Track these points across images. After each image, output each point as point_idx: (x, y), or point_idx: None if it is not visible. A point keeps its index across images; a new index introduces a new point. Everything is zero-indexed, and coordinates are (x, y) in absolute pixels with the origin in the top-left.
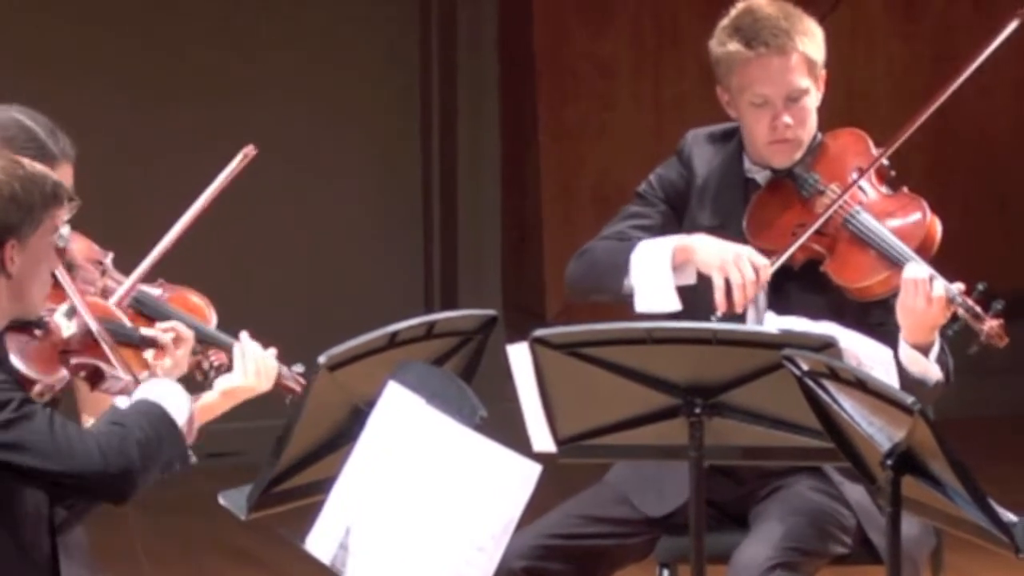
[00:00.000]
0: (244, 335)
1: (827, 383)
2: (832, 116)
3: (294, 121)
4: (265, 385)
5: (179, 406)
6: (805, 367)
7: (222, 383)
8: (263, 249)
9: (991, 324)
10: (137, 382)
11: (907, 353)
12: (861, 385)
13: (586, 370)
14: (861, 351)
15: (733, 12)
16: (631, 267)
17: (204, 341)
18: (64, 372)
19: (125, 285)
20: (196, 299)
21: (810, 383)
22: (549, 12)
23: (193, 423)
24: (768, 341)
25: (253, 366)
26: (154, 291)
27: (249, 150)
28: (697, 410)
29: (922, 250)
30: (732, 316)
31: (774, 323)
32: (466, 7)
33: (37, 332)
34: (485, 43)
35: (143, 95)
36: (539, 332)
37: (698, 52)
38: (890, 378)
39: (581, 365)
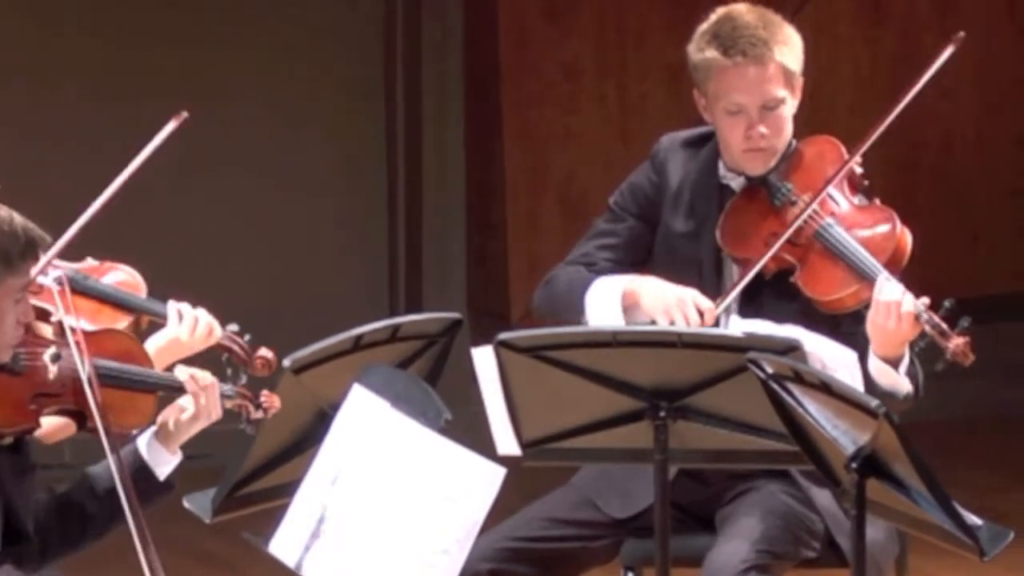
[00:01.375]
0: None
1: (792, 386)
2: (797, 120)
3: (259, 124)
4: (199, 342)
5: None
6: (770, 370)
7: (156, 339)
8: (227, 252)
9: (957, 342)
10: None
11: (877, 366)
12: (826, 388)
13: (551, 373)
14: (825, 354)
15: (713, 18)
16: (585, 306)
17: (137, 311)
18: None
19: (44, 259)
20: (124, 270)
21: (775, 386)
22: (514, 15)
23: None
24: (733, 344)
25: (189, 320)
26: (79, 266)
27: (182, 115)
28: (662, 413)
29: (892, 264)
30: None
31: (739, 326)
32: (431, 11)
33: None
34: (450, 46)
35: (105, 95)
36: (504, 335)
37: (662, 54)
38: (854, 381)
39: (546, 368)
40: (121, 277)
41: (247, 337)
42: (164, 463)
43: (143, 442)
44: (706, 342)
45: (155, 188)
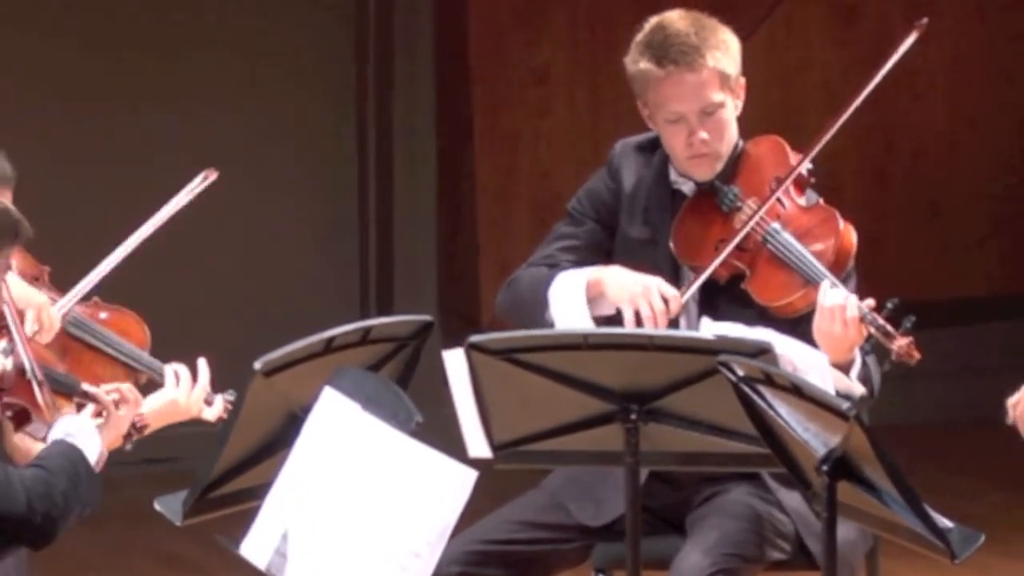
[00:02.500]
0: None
1: (763, 388)
2: (768, 123)
3: (230, 127)
4: (195, 408)
5: (94, 448)
6: (741, 372)
7: (153, 399)
8: (198, 254)
9: (900, 343)
10: None
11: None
12: (797, 391)
13: (522, 376)
14: (797, 357)
15: (646, 27)
16: (549, 301)
17: (136, 368)
18: None
19: (63, 302)
20: (133, 321)
21: (746, 389)
22: (485, 19)
23: (102, 462)
24: (704, 347)
25: (186, 385)
26: (88, 312)
27: (210, 172)
28: (633, 416)
29: (837, 264)
30: None
31: (710, 329)
32: (402, 13)
33: None
34: (421, 49)
35: (77, 100)
36: (475, 338)
37: None
38: (825, 384)
39: (517, 371)
40: (130, 329)
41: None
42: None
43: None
44: (677, 345)
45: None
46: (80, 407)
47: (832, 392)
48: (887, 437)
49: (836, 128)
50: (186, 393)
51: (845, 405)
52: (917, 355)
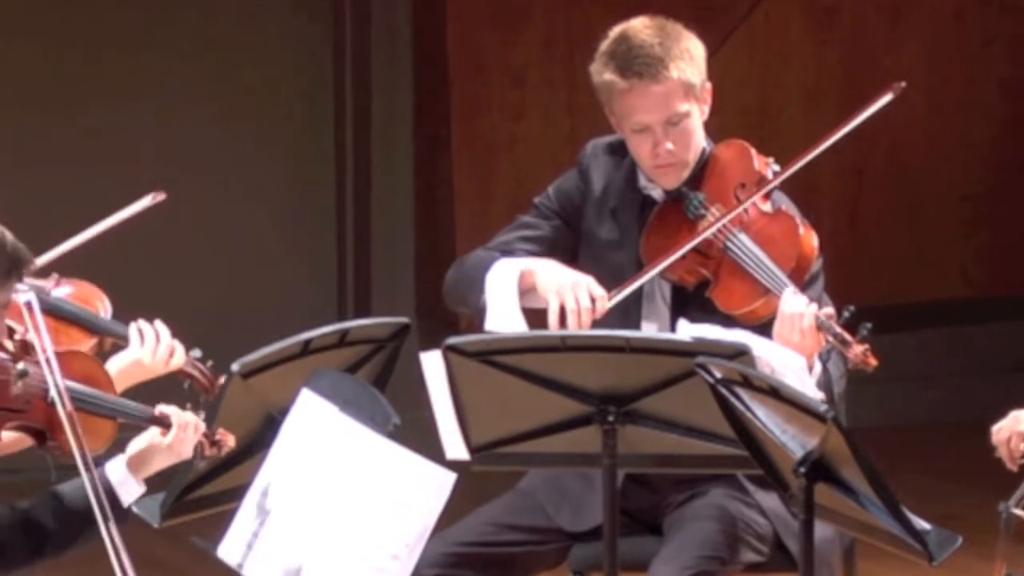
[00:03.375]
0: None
1: (740, 391)
2: (746, 122)
3: (208, 130)
4: (161, 364)
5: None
6: (718, 374)
7: (117, 360)
8: (176, 255)
9: (856, 350)
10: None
11: None
12: (774, 393)
13: (499, 378)
14: (774, 359)
15: (610, 36)
16: (485, 286)
17: (101, 332)
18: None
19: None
20: (89, 290)
21: (723, 391)
22: (463, 22)
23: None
24: (681, 349)
25: (151, 342)
26: (49, 286)
27: (158, 195)
28: (611, 418)
29: (797, 272)
30: None
31: (687, 331)
32: (380, 16)
33: None
34: (399, 52)
35: (53, 101)
36: (452, 340)
37: None
38: (803, 386)
39: (494, 373)
40: (86, 296)
41: (210, 363)
42: (131, 492)
43: (114, 467)
44: (655, 347)
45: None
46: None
47: (810, 394)
48: (864, 439)
49: (797, 168)
50: (151, 351)
51: (823, 407)
52: (874, 362)
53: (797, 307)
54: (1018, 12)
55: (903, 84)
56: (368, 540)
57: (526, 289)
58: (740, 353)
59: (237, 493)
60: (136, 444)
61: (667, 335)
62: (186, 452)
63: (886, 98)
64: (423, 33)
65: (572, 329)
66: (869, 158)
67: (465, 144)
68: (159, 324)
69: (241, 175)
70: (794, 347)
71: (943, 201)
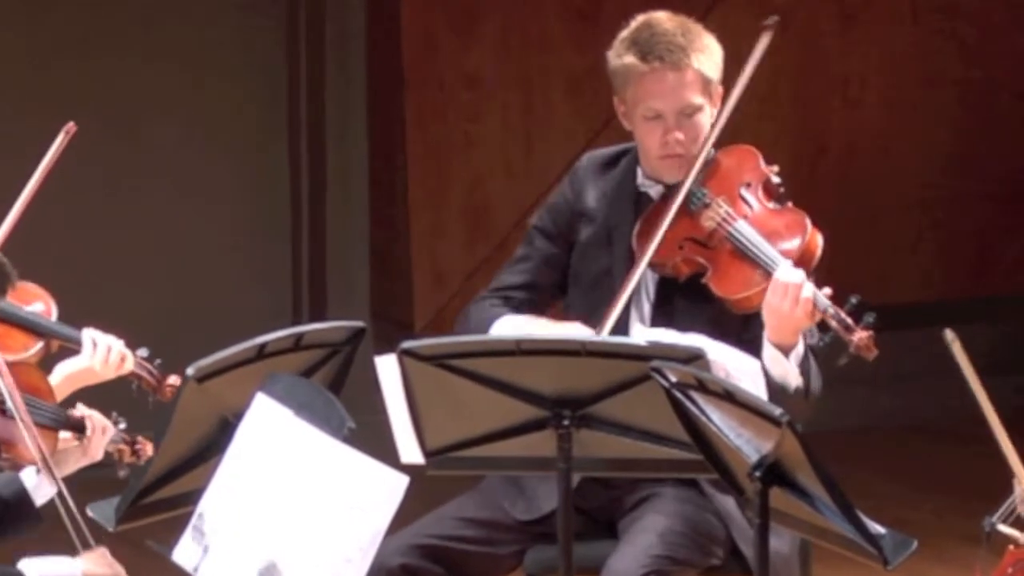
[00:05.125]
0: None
1: (695, 395)
2: None
3: (163, 132)
4: (112, 370)
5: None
6: (673, 379)
7: (67, 366)
8: (131, 260)
9: (861, 336)
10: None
11: (769, 353)
12: (729, 397)
13: (454, 382)
14: (729, 363)
15: (633, 24)
16: None
17: (49, 335)
18: None
19: None
20: (36, 292)
21: (678, 395)
22: (417, 25)
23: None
24: (636, 353)
25: (103, 350)
26: None
27: (70, 127)
28: (566, 422)
29: (801, 263)
30: None
31: (642, 335)
32: (334, 19)
33: None
34: (353, 55)
35: (5, 104)
36: (407, 344)
37: (566, 63)
38: (758, 390)
39: (449, 377)
40: (32, 298)
41: (157, 362)
42: (42, 494)
43: (27, 472)
44: (610, 351)
45: (55, 200)
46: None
47: (764, 398)
48: (819, 443)
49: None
50: (102, 360)
51: (778, 411)
52: (876, 350)
53: (794, 277)
54: (973, 14)
55: (776, 18)
56: (322, 543)
57: None
58: (695, 357)
59: (192, 497)
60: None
61: (623, 339)
62: (96, 455)
63: (764, 39)
64: (377, 37)
65: None
66: (824, 161)
67: (420, 147)
68: (112, 337)
69: (196, 179)
70: (784, 318)
71: (899, 204)
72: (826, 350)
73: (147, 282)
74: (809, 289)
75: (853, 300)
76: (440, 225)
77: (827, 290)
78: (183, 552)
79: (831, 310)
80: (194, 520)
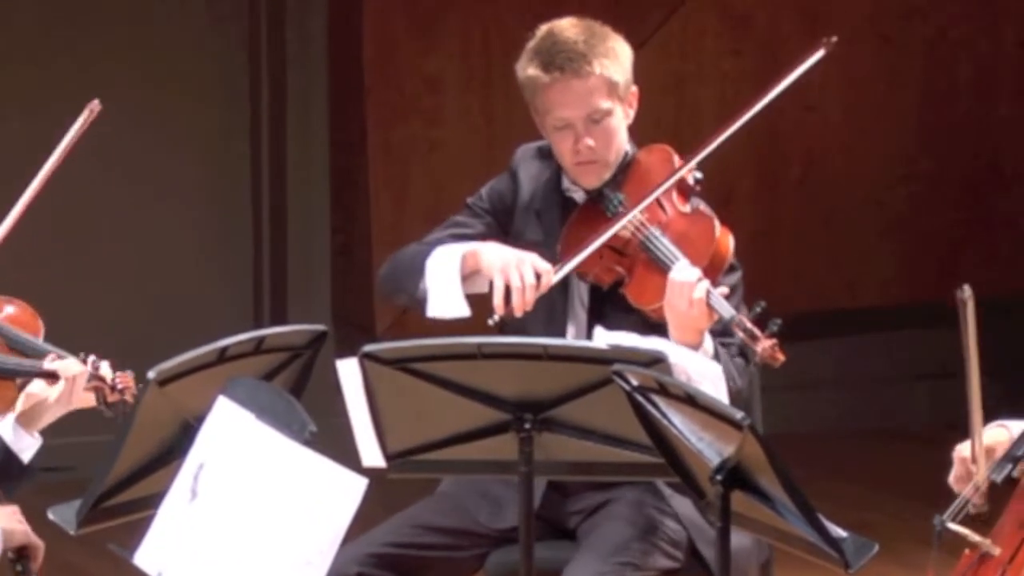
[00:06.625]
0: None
1: (657, 398)
2: (662, 131)
3: (123, 135)
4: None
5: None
6: (635, 382)
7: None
8: (91, 262)
9: (765, 344)
10: None
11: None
12: (691, 400)
13: (416, 385)
14: (691, 367)
15: (536, 34)
16: (426, 271)
17: (26, 354)
18: None
19: None
20: (20, 308)
21: (640, 398)
22: (378, 28)
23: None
24: (598, 356)
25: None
26: None
27: (94, 105)
28: (527, 425)
29: (710, 269)
30: (511, 319)
31: (604, 338)
32: (295, 22)
33: None
34: (314, 60)
35: None
36: (369, 347)
37: None
38: (719, 393)
39: (411, 380)
40: (14, 316)
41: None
42: (26, 447)
43: (4, 425)
44: (571, 354)
45: (12, 203)
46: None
47: (726, 402)
48: (781, 446)
49: (724, 137)
50: (65, 398)
51: (739, 415)
52: (781, 357)
53: (688, 276)
54: (935, 20)
55: (834, 39)
56: (282, 546)
57: (469, 272)
58: (657, 361)
59: (154, 500)
60: (24, 400)
61: (584, 343)
62: (76, 402)
63: (819, 53)
64: (339, 39)
65: (517, 306)
66: (786, 166)
67: (381, 150)
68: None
69: (156, 182)
70: (681, 316)
71: (860, 209)
72: (753, 366)
73: (107, 284)
74: (702, 289)
75: (758, 308)
76: (401, 228)
77: (724, 289)
78: (145, 555)
79: (731, 314)
80: (155, 523)
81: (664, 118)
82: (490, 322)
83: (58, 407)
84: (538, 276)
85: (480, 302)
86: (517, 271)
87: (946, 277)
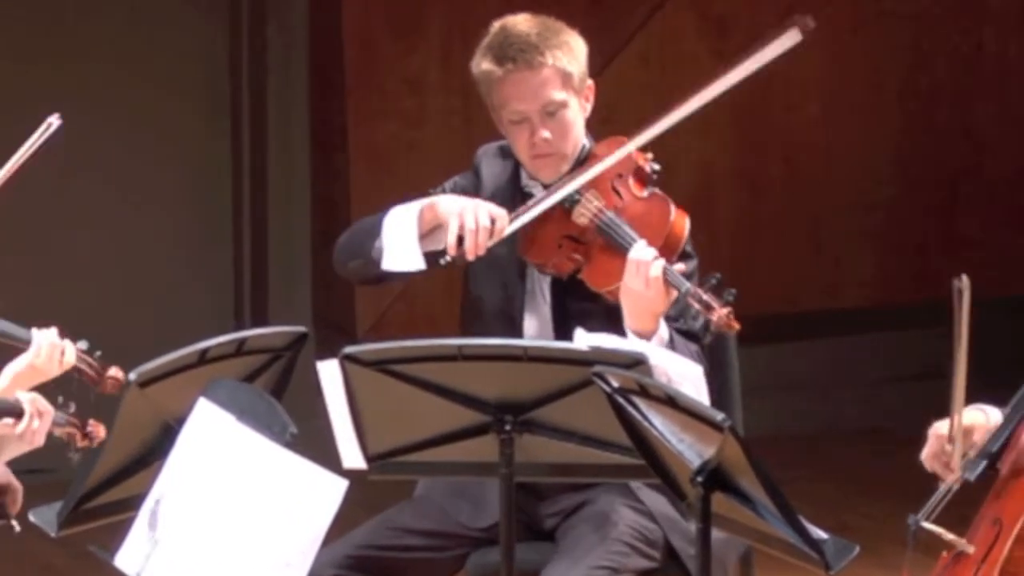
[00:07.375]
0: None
1: (637, 400)
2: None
3: (104, 136)
4: (55, 366)
5: None
6: (615, 384)
7: (14, 365)
8: (72, 261)
9: (720, 313)
10: None
11: (631, 340)
12: (671, 402)
13: (396, 387)
14: (671, 368)
15: (490, 30)
16: (383, 229)
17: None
18: None
19: None
20: None
21: (620, 400)
22: (359, 29)
23: None
24: (579, 358)
25: (47, 350)
26: None
27: (53, 119)
28: (507, 427)
29: (666, 248)
30: (462, 261)
31: (584, 340)
32: (276, 23)
33: None
34: (294, 61)
35: None
36: (349, 349)
37: None
38: (700, 395)
39: (391, 382)
40: None
41: (97, 354)
42: None
43: None
44: (552, 356)
45: None
46: None
47: (707, 404)
48: (762, 448)
49: (685, 113)
50: (37, 353)
51: (719, 416)
52: (736, 325)
53: (645, 255)
54: (916, 20)
55: (809, 22)
56: (262, 547)
57: (429, 227)
58: (637, 362)
59: (135, 502)
60: None
61: (565, 344)
62: (38, 441)
63: (791, 33)
64: (319, 41)
65: (470, 249)
66: (766, 166)
67: (362, 152)
68: (49, 330)
69: (137, 183)
70: (639, 298)
71: (840, 209)
72: (710, 336)
73: (89, 284)
74: (658, 267)
75: (714, 280)
76: None
77: (681, 266)
78: (126, 557)
79: (687, 287)
80: (136, 525)
81: (644, 118)
82: (441, 262)
83: (20, 445)
84: (493, 221)
85: (453, 297)
86: (472, 215)
87: (926, 279)
